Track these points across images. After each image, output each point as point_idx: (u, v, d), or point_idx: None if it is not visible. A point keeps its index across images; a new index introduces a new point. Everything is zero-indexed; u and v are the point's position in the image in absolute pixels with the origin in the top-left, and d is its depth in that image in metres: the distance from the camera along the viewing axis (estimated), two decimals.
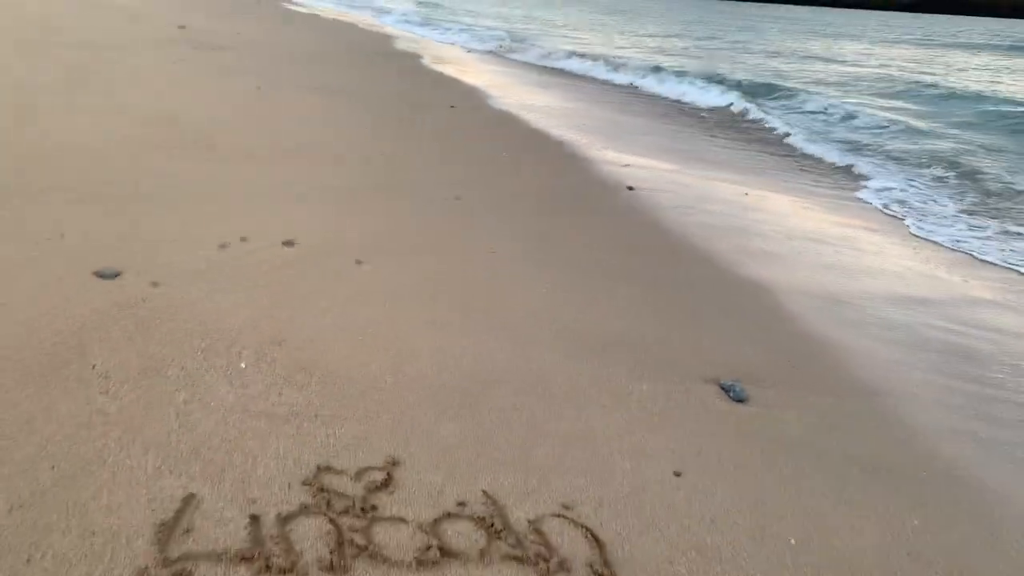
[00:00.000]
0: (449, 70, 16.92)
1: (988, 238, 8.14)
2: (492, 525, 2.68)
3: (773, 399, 4.01)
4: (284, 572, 2.33)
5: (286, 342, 3.71)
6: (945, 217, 8.87)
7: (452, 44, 25.38)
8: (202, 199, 5.63)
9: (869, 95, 20.16)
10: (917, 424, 3.96)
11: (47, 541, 2.31)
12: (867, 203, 9.34)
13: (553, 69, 21.47)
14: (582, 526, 2.75)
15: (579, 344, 4.21)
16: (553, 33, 35.29)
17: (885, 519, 3.12)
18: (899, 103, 18.94)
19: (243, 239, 4.95)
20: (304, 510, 2.61)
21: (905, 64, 30.59)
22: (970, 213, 9.14)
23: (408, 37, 25.27)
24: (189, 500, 2.57)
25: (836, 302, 5.58)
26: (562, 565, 2.55)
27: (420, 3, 46.07)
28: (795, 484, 3.26)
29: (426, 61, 18.23)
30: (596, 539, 2.69)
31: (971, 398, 4.35)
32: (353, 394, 3.37)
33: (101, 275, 4.07)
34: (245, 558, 2.36)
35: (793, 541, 2.89)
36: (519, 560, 2.54)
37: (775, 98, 17.72)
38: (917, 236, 8.07)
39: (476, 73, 17.48)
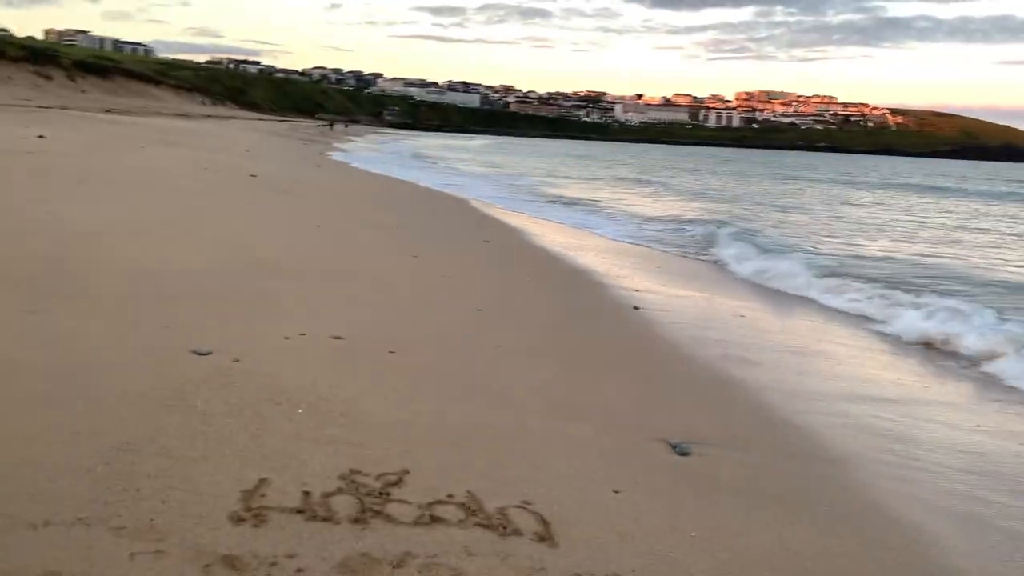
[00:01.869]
0: None
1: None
2: (470, 508, 3.81)
3: (714, 455, 5.09)
4: (325, 520, 3.49)
5: (332, 398, 4.96)
6: None
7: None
8: (270, 305, 7.04)
9: None
10: (835, 470, 5.00)
11: (174, 495, 3.52)
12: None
13: None
14: (535, 513, 3.85)
15: (561, 411, 5.38)
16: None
17: (777, 530, 4.13)
18: None
19: (302, 334, 6.29)
20: (339, 491, 3.78)
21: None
22: None
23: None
24: (263, 481, 3.77)
25: (793, 395, 6.65)
26: (516, 531, 3.65)
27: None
28: (709, 501, 4.32)
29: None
30: (543, 520, 3.80)
31: (898, 467, 5.35)
32: (378, 432, 4.57)
33: (197, 352, 5.41)
34: (300, 511, 3.54)
35: (694, 534, 3.93)
36: (486, 527, 3.66)
37: None
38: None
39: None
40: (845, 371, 7.91)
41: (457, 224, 16.23)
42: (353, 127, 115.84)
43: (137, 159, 18.02)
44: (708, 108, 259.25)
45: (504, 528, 3.67)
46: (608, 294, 10.23)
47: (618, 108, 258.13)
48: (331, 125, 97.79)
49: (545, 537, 3.66)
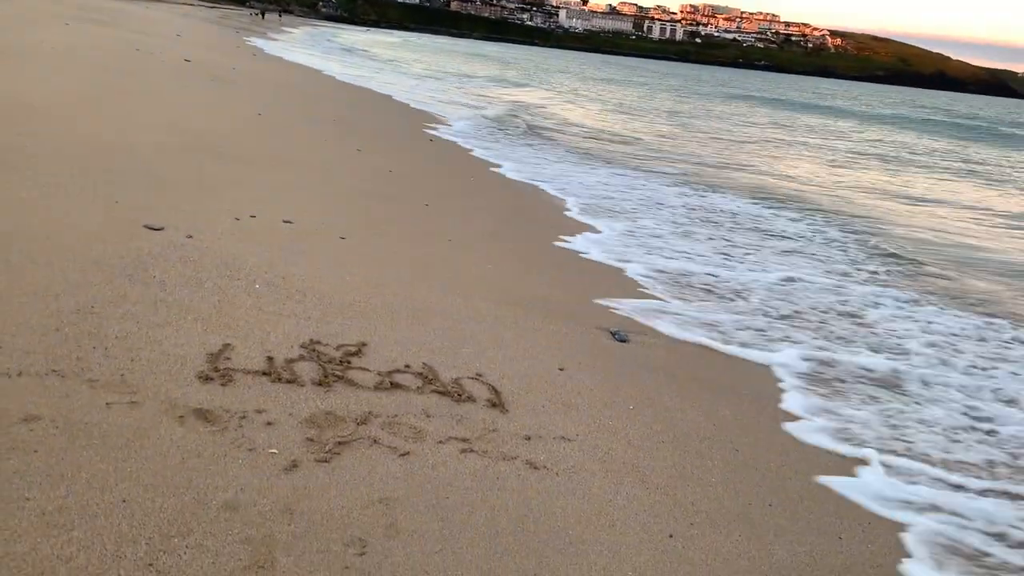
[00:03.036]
0: None
1: None
2: (427, 377, 4.04)
3: (649, 343, 5.41)
4: (290, 382, 3.68)
5: (289, 277, 5.08)
6: None
7: None
8: (217, 186, 7.02)
9: None
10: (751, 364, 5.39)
11: (142, 355, 3.64)
12: None
13: None
14: (487, 384, 4.11)
15: (508, 298, 5.61)
16: None
17: (705, 407, 4.49)
18: None
19: (252, 216, 6.32)
20: (301, 358, 3.96)
21: None
22: None
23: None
24: (227, 346, 3.92)
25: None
26: (470, 398, 3.90)
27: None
28: (643, 382, 4.65)
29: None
30: (495, 389, 4.06)
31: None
32: (335, 309, 4.73)
33: (150, 227, 5.43)
34: (265, 373, 3.71)
35: (631, 407, 4.26)
36: (442, 394, 3.90)
37: None
38: None
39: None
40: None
41: (395, 122, 16.06)
42: (287, 17, 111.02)
43: (65, 36, 17.12)
44: (653, 19, 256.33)
45: (459, 395, 3.92)
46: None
47: (563, 13, 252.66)
48: (263, 14, 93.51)
49: (496, 404, 3.93)
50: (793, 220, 11.05)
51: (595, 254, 7.65)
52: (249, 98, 14.17)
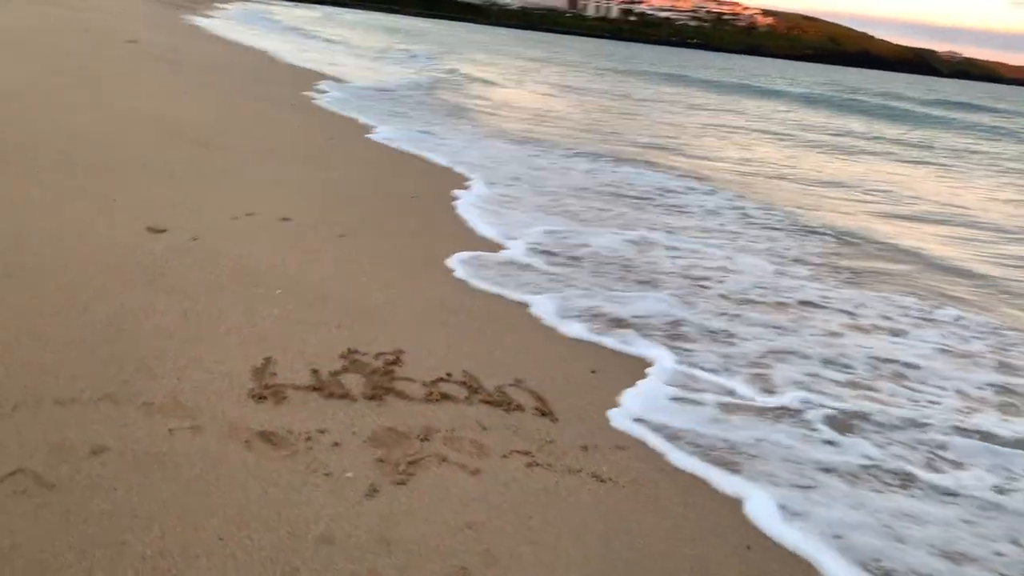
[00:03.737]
0: None
1: None
2: (472, 387, 3.98)
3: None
4: (342, 397, 3.58)
5: (304, 281, 4.94)
6: None
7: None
8: (205, 180, 6.78)
9: None
10: None
11: (187, 373, 3.50)
12: None
13: None
14: (530, 390, 4.07)
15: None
16: None
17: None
18: None
19: (248, 214, 6.13)
20: (345, 369, 3.86)
21: None
22: None
23: None
24: (268, 359, 3.79)
25: None
26: (519, 407, 3.86)
27: None
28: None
29: None
30: (539, 396, 4.02)
31: None
32: (360, 314, 4.62)
33: (153, 229, 5.22)
34: (315, 388, 3.60)
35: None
36: (491, 404, 3.85)
37: None
38: None
39: None
40: None
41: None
42: None
43: (10, 16, 16.32)
44: None
45: (508, 405, 3.88)
46: None
47: None
48: None
49: (545, 412, 3.90)
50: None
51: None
52: (210, 82, 13.72)
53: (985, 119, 40.52)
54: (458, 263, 5.96)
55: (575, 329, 5.06)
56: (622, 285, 6.06)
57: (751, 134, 20.64)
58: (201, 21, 35.05)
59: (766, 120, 26.07)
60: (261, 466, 2.95)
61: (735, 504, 3.41)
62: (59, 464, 2.72)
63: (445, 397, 3.82)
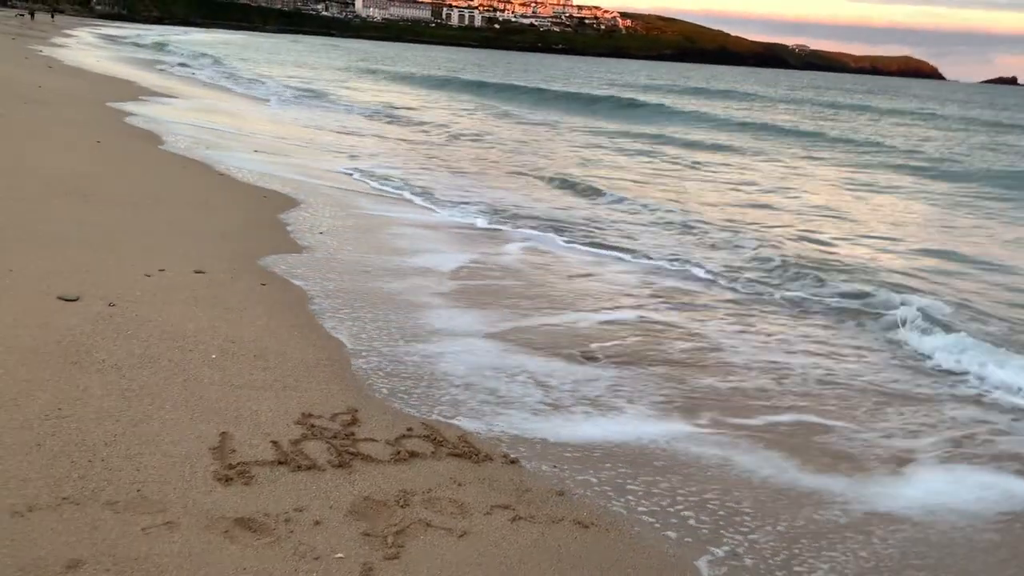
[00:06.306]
0: None
1: None
2: (435, 440, 3.93)
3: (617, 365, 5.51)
4: (309, 468, 3.47)
5: (238, 340, 4.75)
6: None
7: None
8: (103, 238, 6.42)
9: None
10: None
11: (144, 461, 3.31)
12: None
13: None
14: (490, 438, 4.05)
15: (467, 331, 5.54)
16: None
17: None
18: None
19: (161, 270, 5.84)
20: (305, 437, 3.74)
21: None
22: None
23: None
24: (224, 434, 3.63)
25: None
26: (487, 457, 3.84)
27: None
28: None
29: None
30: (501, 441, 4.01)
31: None
32: (303, 372, 4.49)
33: (64, 298, 4.90)
34: (281, 462, 3.47)
35: None
36: (458, 456, 3.81)
37: None
38: None
39: None
40: None
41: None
42: (60, 18, 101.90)
43: None
44: (451, 6, 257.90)
45: (476, 455, 3.85)
46: None
47: (359, 2, 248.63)
48: (32, 15, 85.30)
49: (514, 460, 3.89)
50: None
51: None
52: (77, 123, 12.98)
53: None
54: None
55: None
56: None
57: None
58: (52, 51, 33.27)
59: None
60: (247, 558, 2.82)
61: None
62: None
63: (413, 455, 3.75)
